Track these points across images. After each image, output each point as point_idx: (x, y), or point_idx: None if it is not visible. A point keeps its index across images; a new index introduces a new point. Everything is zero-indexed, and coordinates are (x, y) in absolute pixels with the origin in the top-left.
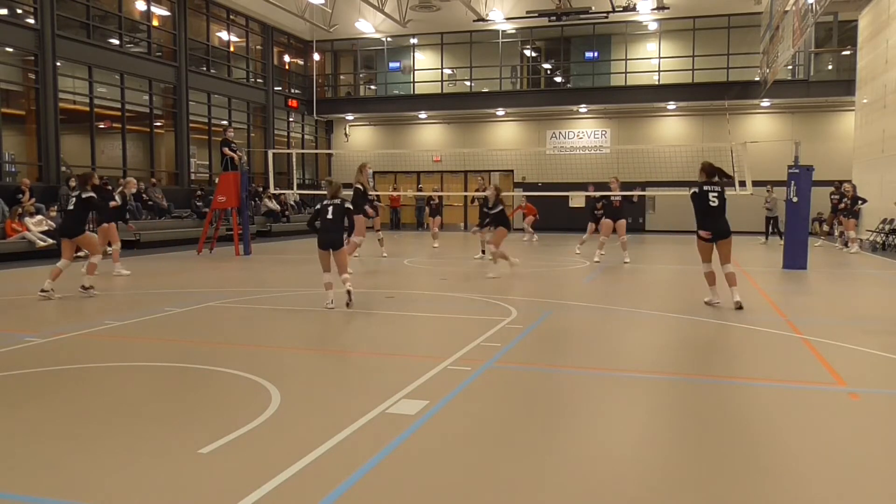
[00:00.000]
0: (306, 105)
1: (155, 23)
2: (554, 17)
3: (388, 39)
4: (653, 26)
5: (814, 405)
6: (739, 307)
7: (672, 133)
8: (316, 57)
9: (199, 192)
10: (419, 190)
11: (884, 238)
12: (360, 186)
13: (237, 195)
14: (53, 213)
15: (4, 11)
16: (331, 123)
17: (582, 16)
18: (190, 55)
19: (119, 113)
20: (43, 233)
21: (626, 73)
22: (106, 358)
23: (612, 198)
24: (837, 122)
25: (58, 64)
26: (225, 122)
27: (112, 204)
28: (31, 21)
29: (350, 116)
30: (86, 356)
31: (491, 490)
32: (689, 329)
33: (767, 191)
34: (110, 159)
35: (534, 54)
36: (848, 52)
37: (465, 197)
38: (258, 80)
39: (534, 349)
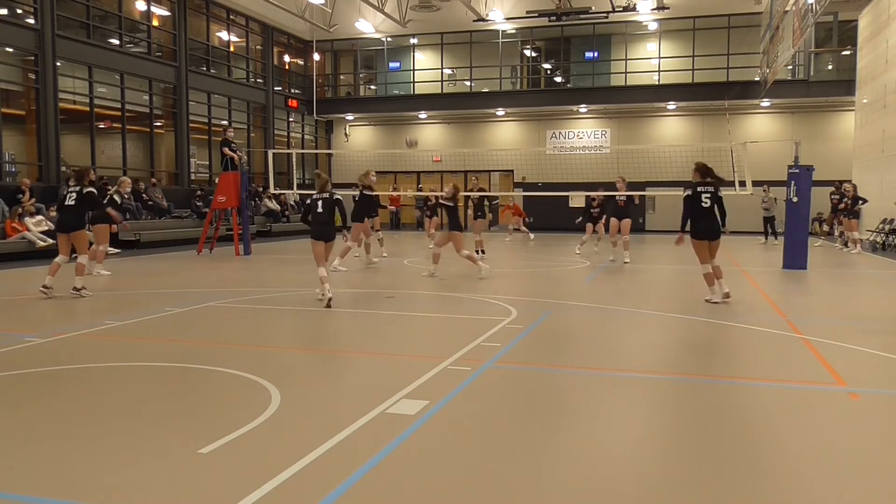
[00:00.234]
0: (306, 105)
1: (155, 23)
2: (554, 17)
3: (388, 39)
4: (653, 26)
5: (814, 405)
6: (727, 297)
7: (672, 133)
8: (316, 57)
9: (199, 192)
10: (419, 190)
11: (884, 238)
12: (366, 191)
13: (237, 195)
14: (53, 213)
15: (4, 11)
16: (331, 123)
17: (582, 16)
18: (190, 55)
19: (119, 113)
20: (43, 233)
21: (626, 73)
22: (106, 358)
23: (618, 198)
24: (837, 122)
25: (58, 64)
26: (225, 122)
27: (110, 211)
28: (31, 21)
29: (350, 116)
30: (86, 356)
31: (491, 490)
32: (689, 329)
33: (764, 190)
34: (110, 159)
35: (534, 54)
36: (848, 52)
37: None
38: (258, 80)
39: (534, 349)
